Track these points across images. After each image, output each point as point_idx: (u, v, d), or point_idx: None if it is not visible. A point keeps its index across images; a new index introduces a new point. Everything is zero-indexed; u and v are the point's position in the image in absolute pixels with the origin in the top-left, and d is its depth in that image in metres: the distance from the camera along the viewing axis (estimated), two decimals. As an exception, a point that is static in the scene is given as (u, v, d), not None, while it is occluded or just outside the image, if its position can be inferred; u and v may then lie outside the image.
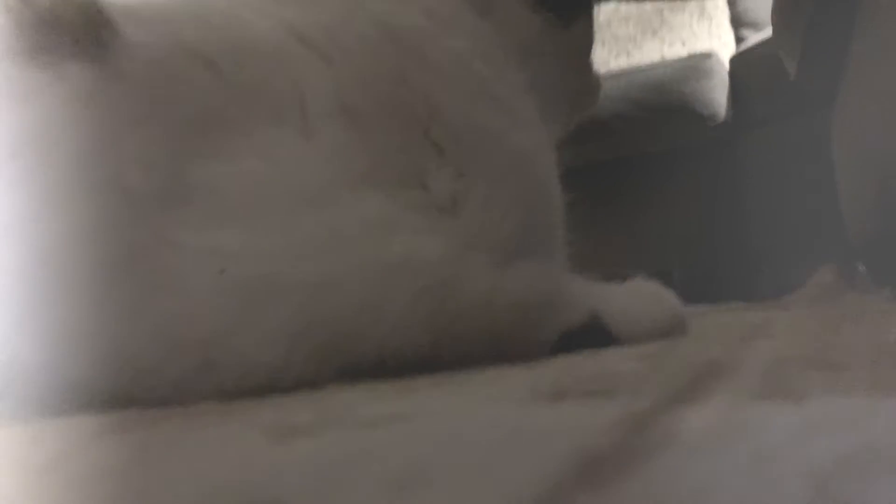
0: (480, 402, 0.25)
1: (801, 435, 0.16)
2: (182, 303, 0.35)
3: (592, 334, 0.48)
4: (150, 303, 0.35)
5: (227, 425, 0.24)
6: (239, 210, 0.38)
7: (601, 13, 2.18)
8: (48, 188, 0.35)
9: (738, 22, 2.09)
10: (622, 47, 2.12)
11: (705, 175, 1.65)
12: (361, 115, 0.43)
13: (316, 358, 0.37)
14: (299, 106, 0.42)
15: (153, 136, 0.38)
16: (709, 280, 1.56)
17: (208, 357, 0.35)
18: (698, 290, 1.35)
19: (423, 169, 0.44)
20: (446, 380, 0.35)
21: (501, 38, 0.52)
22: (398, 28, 0.47)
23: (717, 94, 1.61)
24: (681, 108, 1.59)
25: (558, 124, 0.62)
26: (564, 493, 0.13)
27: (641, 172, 1.67)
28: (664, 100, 1.59)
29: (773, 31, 1.23)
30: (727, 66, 1.70)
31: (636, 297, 0.53)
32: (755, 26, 1.98)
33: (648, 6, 2.14)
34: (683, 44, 2.06)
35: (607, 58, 2.10)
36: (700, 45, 1.99)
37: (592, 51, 0.65)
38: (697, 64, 1.62)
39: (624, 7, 2.17)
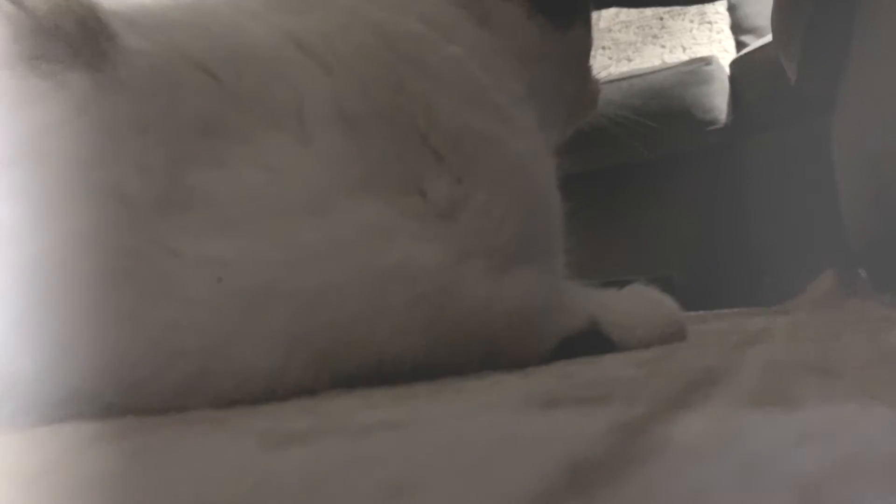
0: (475, 410, 0.25)
1: (791, 443, 0.16)
2: (180, 311, 0.35)
3: (591, 341, 0.48)
4: (148, 311, 0.35)
5: (222, 432, 0.24)
6: (237, 217, 0.38)
7: (602, 19, 2.18)
8: (46, 196, 0.35)
9: (738, 28, 2.09)
10: (623, 53, 2.13)
11: (706, 180, 1.65)
12: (360, 122, 0.43)
13: (314, 365, 0.37)
14: (298, 113, 0.42)
15: (152, 144, 0.38)
16: (709, 286, 1.56)
17: (206, 365, 0.35)
18: (698, 295, 1.35)
19: (421, 176, 0.44)
20: (444, 387, 0.35)
21: (499, 44, 0.52)
22: (397, 35, 0.47)
23: (718, 99, 1.61)
24: (681, 114, 1.59)
25: (557, 130, 0.62)
26: (554, 501, 0.13)
27: (642, 177, 1.67)
28: (665, 105, 1.59)
29: (773, 35, 1.24)
30: (727, 71, 1.70)
31: (635, 304, 0.53)
32: (755, 32, 1.99)
33: (649, 12, 2.15)
34: (684, 49, 2.06)
35: (608, 63, 2.10)
36: (701, 51, 1.99)
37: (591, 56, 0.65)
38: (698, 69, 1.62)
39: (624, 13, 2.18)
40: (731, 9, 2.12)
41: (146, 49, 0.39)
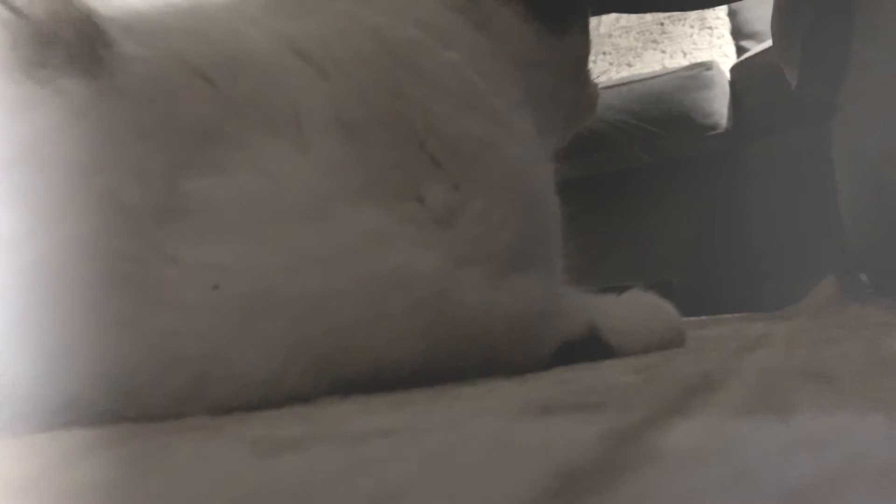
0: (469, 417, 0.25)
1: (783, 452, 0.16)
2: (178, 317, 0.35)
3: (590, 347, 0.48)
4: (146, 317, 0.35)
5: (216, 440, 0.24)
6: (235, 224, 0.38)
7: (602, 24, 2.19)
8: (44, 201, 0.35)
9: (738, 33, 2.10)
10: (623, 58, 2.13)
11: (706, 185, 1.65)
12: (357, 129, 0.43)
13: (312, 371, 0.37)
14: (295, 119, 0.42)
15: (149, 150, 0.38)
16: (710, 291, 1.55)
17: (204, 371, 0.35)
18: (699, 300, 1.35)
19: (418, 182, 0.44)
20: (442, 393, 0.35)
21: (496, 50, 0.52)
22: (394, 41, 0.47)
23: (718, 104, 1.61)
24: (682, 119, 1.59)
25: (556, 135, 0.62)
26: (543, 510, 0.13)
27: (642, 183, 1.67)
28: (665, 110, 1.59)
29: (773, 40, 1.24)
30: (728, 76, 1.70)
31: (634, 309, 0.53)
32: (756, 37, 1.99)
33: (649, 17, 2.15)
34: (684, 54, 2.06)
35: (608, 69, 2.10)
36: (701, 56, 2.00)
37: (589, 60, 0.65)
38: (698, 74, 1.62)
39: (625, 18, 2.18)
40: (732, 14, 2.12)
41: (143, 55, 0.39)
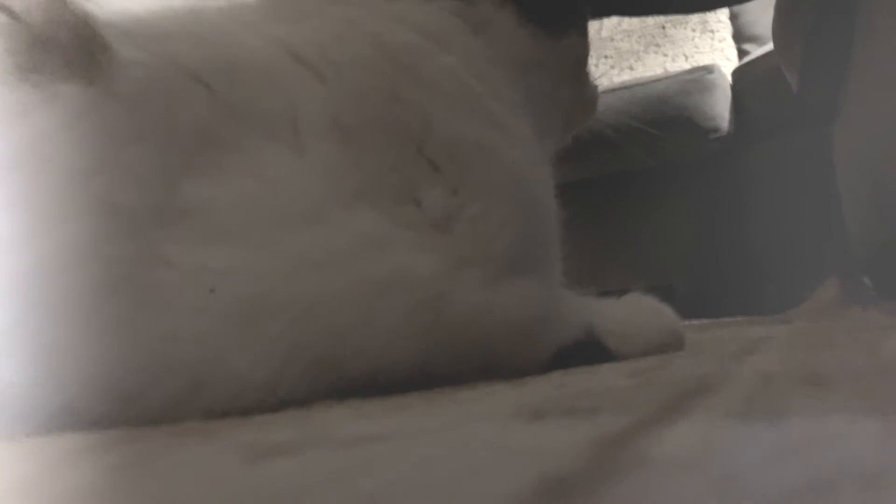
0: (462, 421, 0.25)
1: (772, 458, 0.16)
2: (175, 321, 0.35)
3: (589, 350, 0.48)
4: (143, 321, 0.35)
5: (208, 444, 0.24)
6: (231, 227, 0.38)
7: (604, 28, 2.19)
8: (40, 206, 0.35)
9: (740, 36, 2.10)
10: (625, 61, 2.13)
11: (708, 188, 1.65)
12: (355, 132, 0.43)
13: (308, 376, 0.37)
14: (292, 123, 0.42)
15: (146, 154, 0.38)
16: (711, 294, 1.55)
17: (200, 376, 0.35)
18: (700, 304, 1.35)
19: (416, 185, 0.44)
20: (438, 397, 0.35)
21: (494, 53, 0.52)
22: (391, 45, 0.47)
23: (720, 107, 1.61)
24: (683, 122, 1.59)
25: (555, 137, 0.62)
26: (529, 516, 0.13)
27: (644, 186, 1.67)
28: (666, 113, 1.59)
29: (774, 44, 1.24)
30: (729, 79, 1.70)
31: (633, 313, 0.53)
32: (757, 41, 1.99)
33: (651, 21, 2.15)
34: (686, 58, 2.07)
35: (610, 72, 2.10)
36: (702, 60, 2.00)
37: (588, 61, 0.65)
38: (700, 77, 1.62)
39: (626, 22, 2.18)
40: (733, 17, 2.12)
41: (140, 60, 0.39)
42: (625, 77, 2.01)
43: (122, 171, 0.37)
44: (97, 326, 0.34)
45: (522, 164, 0.49)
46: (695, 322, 1.08)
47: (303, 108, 0.42)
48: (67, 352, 0.34)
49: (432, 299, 0.40)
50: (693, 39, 2.09)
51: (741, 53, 2.04)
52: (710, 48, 2.07)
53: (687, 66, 1.85)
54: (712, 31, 2.09)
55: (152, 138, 0.38)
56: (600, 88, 0.68)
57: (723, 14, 2.12)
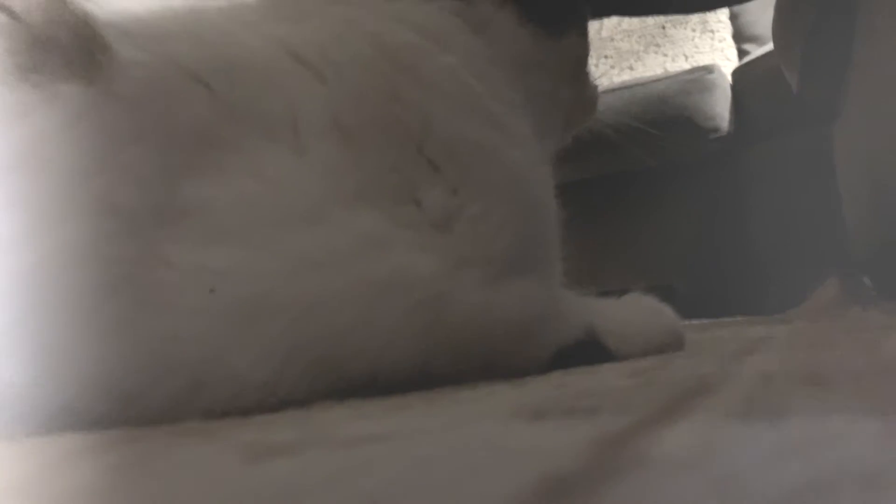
0: (462, 421, 0.25)
1: (771, 458, 0.16)
2: (175, 321, 0.35)
3: (589, 350, 0.48)
4: (143, 321, 0.35)
5: (207, 445, 0.24)
6: (231, 227, 0.38)
7: (604, 28, 2.19)
8: (40, 206, 0.35)
9: (740, 36, 2.10)
10: (625, 61, 2.13)
11: (708, 188, 1.65)
12: (355, 132, 0.43)
13: (308, 376, 0.37)
14: (292, 123, 0.42)
15: (146, 154, 0.38)
16: (712, 294, 1.55)
17: (200, 376, 0.35)
18: (701, 304, 1.35)
19: (416, 185, 0.44)
20: (439, 397, 0.35)
21: (494, 53, 0.52)
22: (391, 45, 0.47)
23: (720, 107, 1.61)
24: (683, 122, 1.59)
25: (555, 136, 0.61)
26: (528, 516, 0.13)
27: (644, 186, 1.67)
28: (666, 113, 1.59)
29: (774, 44, 1.24)
30: (729, 79, 1.70)
31: (633, 313, 0.53)
32: (757, 41, 1.99)
33: (651, 21, 2.15)
34: (686, 58, 2.06)
35: (610, 72, 2.10)
36: (703, 60, 2.00)
37: (588, 61, 0.65)
38: (700, 77, 1.62)
39: (626, 22, 2.18)
40: (734, 17, 2.12)
41: (140, 60, 0.39)
42: (625, 77, 2.01)
43: (122, 171, 0.37)
44: (97, 326, 0.34)
45: (522, 164, 0.49)
46: (695, 322, 1.08)
47: (303, 108, 0.42)
48: (67, 352, 0.34)
49: (432, 299, 0.40)
50: (693, 39, 2.09)
51: (741, 53, 2.04)
52: (710, 48, 2.07)
53: (687, 66, 1.85)
54: (712, 31, 2.09)
55: (152, 138, 0.38)
56: (600, 88, 0.68)
57: (723, 14, 2.12)
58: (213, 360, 0.35)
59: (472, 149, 0.46)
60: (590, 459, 0.16)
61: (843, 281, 1.11)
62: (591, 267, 0.54)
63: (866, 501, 0.13)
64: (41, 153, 0.35)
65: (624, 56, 2.14)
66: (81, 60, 0.37)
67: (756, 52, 1.77)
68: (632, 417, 0.22)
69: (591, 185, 1.61)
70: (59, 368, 0.33)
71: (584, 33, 0.62)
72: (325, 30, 0.47)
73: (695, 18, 2.10)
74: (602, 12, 1.21)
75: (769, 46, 1.49)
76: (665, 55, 2.09)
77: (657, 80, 1.68)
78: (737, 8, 2.09)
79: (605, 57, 2.15)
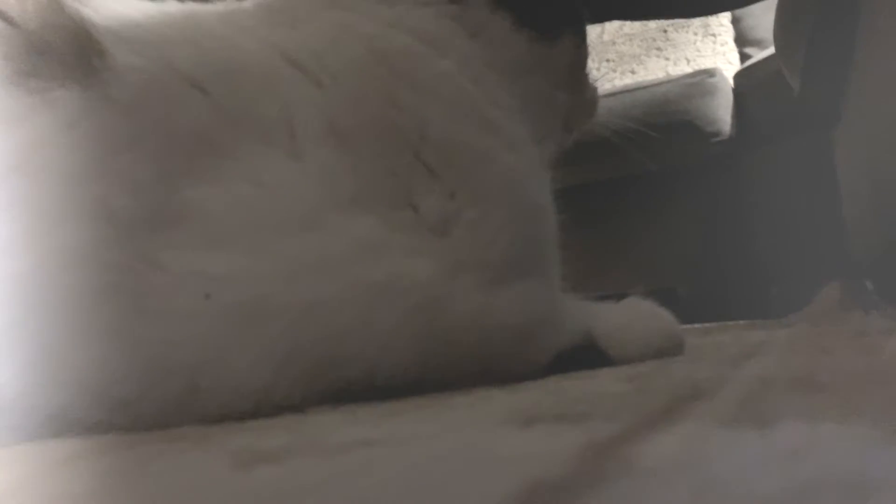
0: (453, 427, 0.25)
1: (757, 465, 0.15)
2: (170, 327, 0.35)
3: (587, 355, 0.48)
4: (138, 327, 0.35)
5: (197, 451, 0.24)
6: (227, 232, 0.38)
7: (605, 31, 2.19)
8: (36, 211, 0.35)
9: (742, 40, 2.09)
10: (627, 65, 2.13)
11: (710, 192, 1.65)
12: (351, 137, 0.43)
13: (305, 379, 0.37)
14: (288, 128, 0.42)
15: (142, 159, 0.38)
16: (714, 298, 1.55)
17: (194, 382, 0.35)
18: (703, 308, 1.35)
19: (413, 190, 0.44)
20: (433, 402, 0.34)
21: (490, 57, 0.52)
22: (388, 50, 0.47)
23: (722, 111, 1.61)
24: (685, 125, 1.59)
25: (553, 140, 0.61)
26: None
27: (646, 190, 1.66)
28: (668, 117, 1.59)
29: (776, 47, 1.24)
30: (731, 83, 1.70)
31: (631, 317, 0.53)
32: (759, 44, 1.98)
33: (653, 24, 2.15)
34: (688, 62, 2.06)
35: (612, 76, 2.10)
36: (704, 63, 1.99)
37: (586, 64, 0.64)
38: (702, 81, 1.62)
39: (628, 25, 2.18)
40: (735, 21, 2.12)
41: (137, 65, 0.39)
42: (626, 81, 2.01)
43: (118, 176, 0.37)
44: (92, 331, 0.34)
45: (519, 168, 0.49)
46: (697, 326, 1.08)
47: (299, 112, 0.42)
48: (62, 357, 0.34)
49: (429, 303, 0.40)
50: (695, 43, 2.09)
51: (743, 57, 2.03)
52: (712, 52, 2.07)
53: (689, 70, 1.85)
54: (714, 35, 2.09)
55: (149, 143, 0.38)
56: (602, 92, 0.68)
57: (725, 18, 2.12)
58: (209, 364, 0.35)
59: (468, 153, 0.46)
60: (577, 466, 0.16)
61: (845, 285, 1.11)
62: (594, 271, 0.54)
63: (849, 509, 0.13)
64: (38, 158, 0.35)
65: (626, 60, 2.14)
66: (78, 65, 0.37)
67: (758, 55, 1.77)
68: (622, 424, 0.22)
69: (594, 189, 1.61)
70: (54, 373, 0.33)
71: (581, 37, 0.62)
72: (322, 35, 0.47)
73: (697, 22, 2.10)
74: (603, 16, 1.21)
75: (771, 50, 1.49)
76: (667, 59, 2.09)
77: (659, 83, 1.68)
78: (739, 12, 2.09)
79: (607, 60, 2.15)
